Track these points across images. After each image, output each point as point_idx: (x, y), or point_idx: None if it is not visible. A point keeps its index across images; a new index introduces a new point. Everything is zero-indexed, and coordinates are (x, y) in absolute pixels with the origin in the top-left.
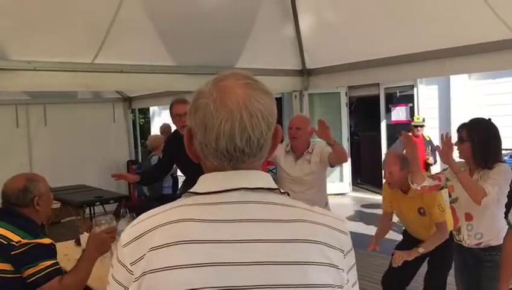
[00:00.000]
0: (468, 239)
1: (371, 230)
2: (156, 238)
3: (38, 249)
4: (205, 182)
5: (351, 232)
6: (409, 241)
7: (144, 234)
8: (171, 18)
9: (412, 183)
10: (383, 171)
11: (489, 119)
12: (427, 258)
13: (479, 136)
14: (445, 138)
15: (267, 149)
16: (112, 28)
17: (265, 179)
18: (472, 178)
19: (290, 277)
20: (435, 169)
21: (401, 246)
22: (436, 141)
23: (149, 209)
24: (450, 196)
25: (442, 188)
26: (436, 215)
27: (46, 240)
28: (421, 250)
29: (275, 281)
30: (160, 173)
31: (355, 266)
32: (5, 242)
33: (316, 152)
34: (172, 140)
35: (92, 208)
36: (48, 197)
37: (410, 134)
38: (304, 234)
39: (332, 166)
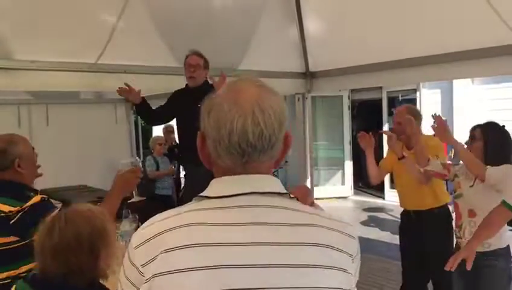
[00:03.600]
0: (469, 236)
1: (373, 234)
2: (167, 241)
3: (34, 210)
4: (216, 186)
5: None
6: (410, 222)
7: (155, 236)
8: (175, 20)
9: (418, 164)
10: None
11: (504, 126)
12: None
13: (494, 136)
14: (436, 116)
15: (278, 149)
16: (116, 28)
17: (275, 184)
18: (475, 180)
19: (298, 280)
20: None
21: (404, 230)
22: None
23: (149, 210)
24: (455, 191)
25: (447, 181)
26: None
27: (37, 198)
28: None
29: (284, 283)
30: (157, 115)
31: (358, 268)
32: None
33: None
34: (180, 91)
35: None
36: (29, 157)
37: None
38: (313, 238)
39: None
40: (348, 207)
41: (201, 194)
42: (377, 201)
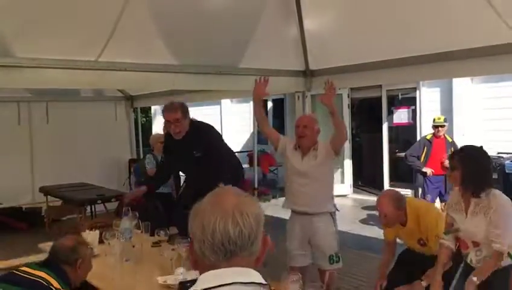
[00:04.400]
0: (478, 263)
1: (372, 232)
2: None
3: None
4: (203, 280)
5: (352, 234)
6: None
7: None
8: (175, 18)
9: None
10: (378, 212)
11: (481, 147)
12: None
13: (470, 165)
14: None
15: (257, 247)
16: (117, 26)
17: (257, 276)
18: (468, 210)
19: None
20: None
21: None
22: (459, 144)
23: (149, 208)
24: (452, 224)
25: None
26: (434, 246)
27: None
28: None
29: None
30: (165, 172)
31: None
32: (46, 284)
33: (321, 147)
34: (168, 139)
35: (93, 206)
36: (88, 263)
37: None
38: None
39: (336, 153)
40: (348, 205)
41: (191, 289)
42: (376, 199)
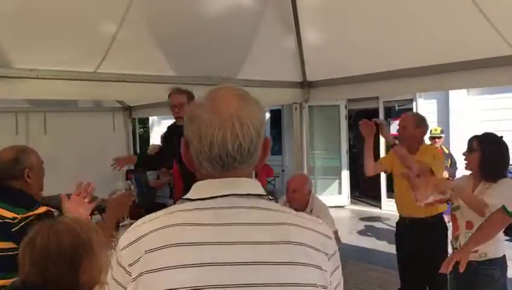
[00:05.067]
0: None
1: (370, 243)
2: (151, 242)
3: (38, 221)
4: (198, 189)
5: (349, 245)
6: (405, 230)
7: (140, 238)
8: (174, 29)
9: (416, 201)
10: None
11: (502, 137)
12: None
13: (490, 148)
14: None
15: (257, 157)
16: (116, 38)
17: (254, 186)
18: (474, 192)
19: (274, 276)
20: None
21: (400, 238)
22: (455, 155)
23: (139, 205)
24: (452, 203)
25: (447, 201)
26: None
27: (42, 209)
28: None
29: (260, 279)
30: (159, 161)
31: (339, 268)
32: (1, 221)
33: (316, 211)
34: (171, 130)
35: (90, 217)
36: (39, 170)
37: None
38: (289, 237)
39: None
40: (345, 216)
41: (184, 196)
42: (373, 210)
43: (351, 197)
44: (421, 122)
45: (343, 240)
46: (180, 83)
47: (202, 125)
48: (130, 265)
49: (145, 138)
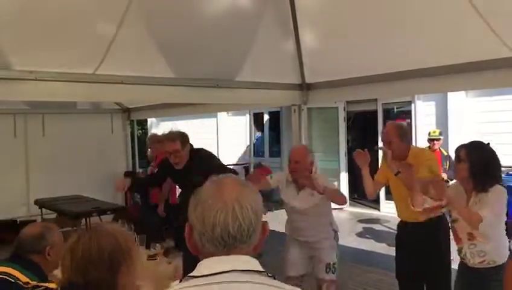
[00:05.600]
0: (472, 258)
1: (368, 245)
2: None
3: None
4: (202, 266)
5: (349, 247)
6: (407, 233)
7: None
8: (173, 31)
9: (413, 206)
10: (380, 143)
11: (488, 143)
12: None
13: (478, 157)
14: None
15: (255, 238)
16: (115, 40)
17: (254, 263)
18: (467, 204)
19: None
20: None
21: (402, 240)
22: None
23: (145, 221)
24: (450, 216)
25: (443, 208)
26: (422, 173)
27: (53, 285)
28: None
29: None
30: (152, 183)
31: None
32: (12, 280)
33: (319, 181)
34: (166, 162)
35: (88, 219)
36: (59, 249)
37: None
38: None
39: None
40: (344, 218)
41: (189, 274)
42: (372, 212)
43: (349, 199)
44: (403, 134)
45: (342, 242)
46: (179, 85)
47: (206, 209)
48: None
49: (143, 140)
